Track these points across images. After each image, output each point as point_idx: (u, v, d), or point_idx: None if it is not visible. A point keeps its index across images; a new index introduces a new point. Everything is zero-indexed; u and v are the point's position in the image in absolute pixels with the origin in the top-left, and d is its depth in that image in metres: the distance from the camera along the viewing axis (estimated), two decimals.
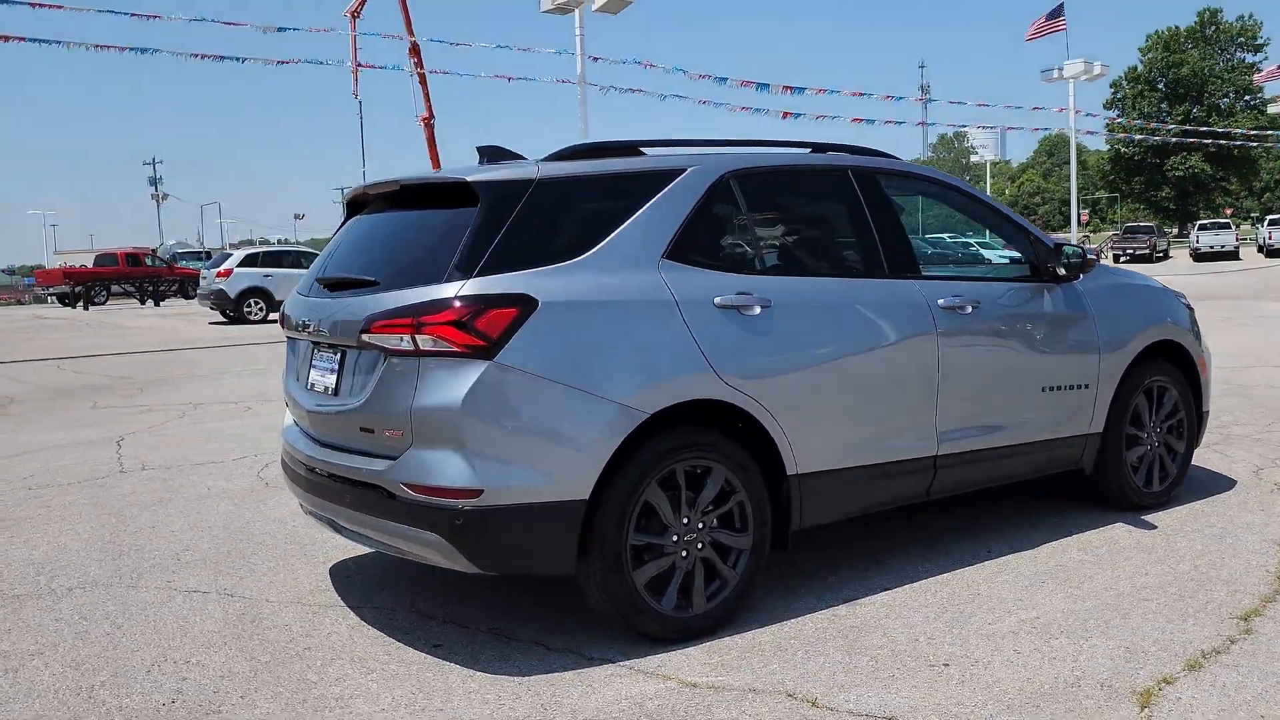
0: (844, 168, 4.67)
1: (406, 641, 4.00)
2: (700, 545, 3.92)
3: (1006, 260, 5.17)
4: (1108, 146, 75.20)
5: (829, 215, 4.68)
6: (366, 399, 3.79)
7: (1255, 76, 54.70)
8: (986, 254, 16.57)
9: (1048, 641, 3.77)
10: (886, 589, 4.42)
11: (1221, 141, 63.48)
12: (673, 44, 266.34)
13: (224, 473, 7.23)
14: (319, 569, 4.97)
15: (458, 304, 3.56)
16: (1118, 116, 71.23)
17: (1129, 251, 47.84)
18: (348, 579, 4.80)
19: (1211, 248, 48.28)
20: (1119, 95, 73.72)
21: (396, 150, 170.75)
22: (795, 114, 34.50)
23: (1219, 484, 5.98)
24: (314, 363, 4.28)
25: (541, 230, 3.82)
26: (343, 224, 4.74)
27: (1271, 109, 61.52)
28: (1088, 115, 59.64)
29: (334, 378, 4.08)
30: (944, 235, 23.01)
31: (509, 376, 3.57)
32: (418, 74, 31.51)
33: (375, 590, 4.62)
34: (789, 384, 4.08)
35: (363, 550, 5.17)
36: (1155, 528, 5.18)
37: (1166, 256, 50.67)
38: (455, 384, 3.56)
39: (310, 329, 4.20)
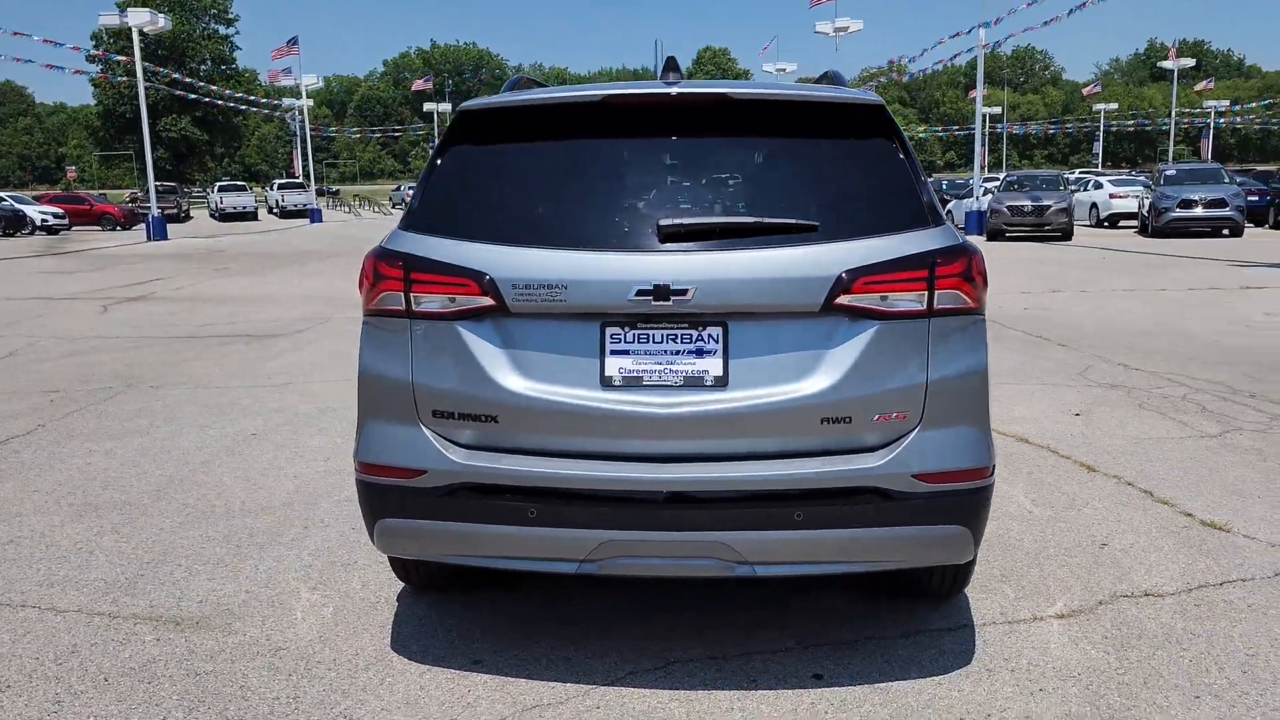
0: None
1: (780, 687, 3.17)
2: None
3: None
4: (95, 102, 72.28)
5: None
6: (838, 379, 2.88)
7: (269, 75, 56.67)
8: None
9: (1119, 509, 4.79)
10: None
11: (211, 108, 66.39)
12: None
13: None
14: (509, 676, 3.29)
15: (965, 252, 3.00)
16: (104, 72, 68.86)
17: (161, 210, 47.29)
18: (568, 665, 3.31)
19: (235, 208, 50.77)
20: (100, 47, 70.97)
21: None
22: None
23: None
24: (627, 348, 2.92)
25: None
26: (477, 147, 3.18)
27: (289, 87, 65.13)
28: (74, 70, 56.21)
29: (716, 362, 2.91)
30: None
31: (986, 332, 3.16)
32: None
33: (599, 659, 3.33)
34: None
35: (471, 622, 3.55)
36: None
37: (190, 216, 51.53)
38: (974, 345, 3.01)
39: (629, 298, 2.87)
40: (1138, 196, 29.00)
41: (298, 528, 4.68)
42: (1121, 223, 30.19)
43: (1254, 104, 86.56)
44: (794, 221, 2.95)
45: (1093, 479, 5.32)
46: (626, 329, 2.96)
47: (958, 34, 33.50)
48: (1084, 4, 30.10)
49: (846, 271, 2.88)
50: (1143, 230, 26.84)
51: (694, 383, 2.92)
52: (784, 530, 2.91)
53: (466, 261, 2.99)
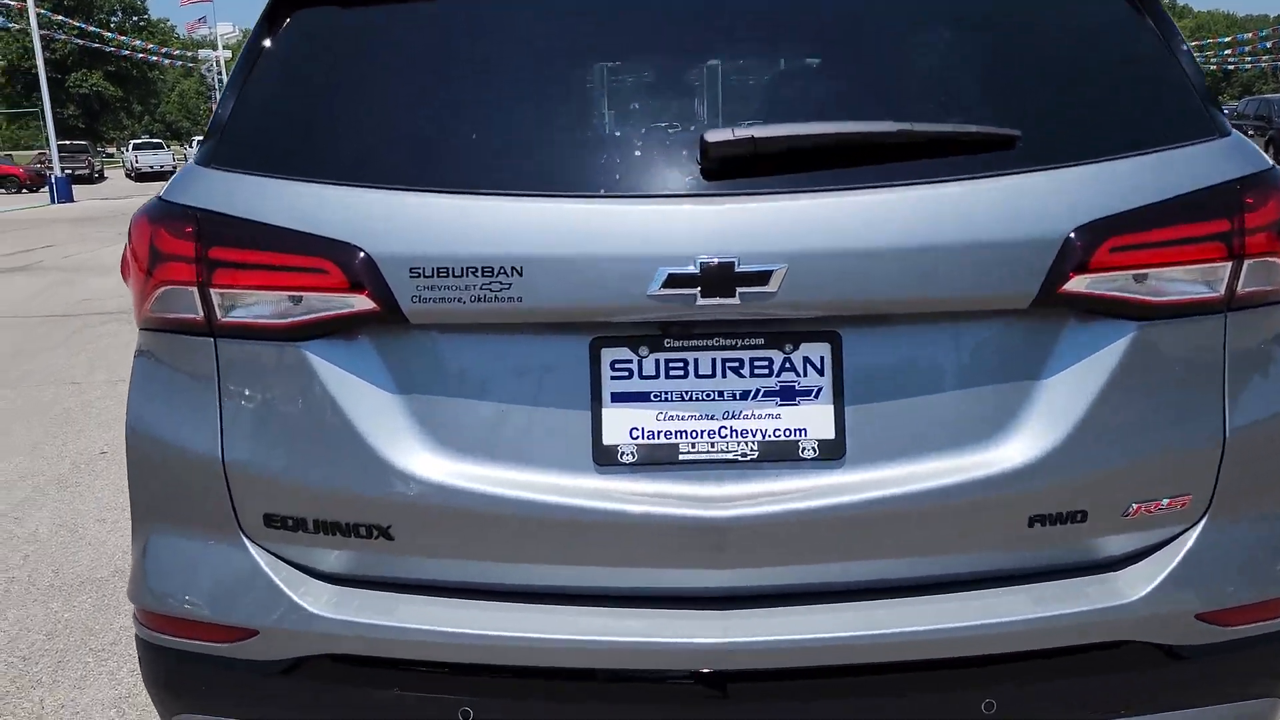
0: None
1: None
2: None
3: None
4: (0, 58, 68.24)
5: None
6: (1061, 439, 1.47)
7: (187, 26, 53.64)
8: None
9: None
10: None
11: (124, 62, 62.90)
12: None
13: None
14: None
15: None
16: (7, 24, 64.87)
17: (70, 171, 44.73)
18: None
19: (152, 168, 48.11)
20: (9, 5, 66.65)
21: None
22: None
23: None
24: (646, 389, 1.48)
25: None
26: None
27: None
28: None
29: (821, 413, 1.48)
30: None
31: None
32: None
33: None
34: None
35: None
36: None
37: (104, 177, 48.82)
38: None
39: (651, 293, 1.42)
40: None
41: (125, 615, 3.19)
42: None
43: (1193, 43, 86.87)
44: (974, 130, 1.50)
45: None
46: (644, 352, 1.50)
47: None
48: None
49: (1078, 229, 1.45)
50: None
51: (780, 454, 1.49)
52: None
53: (318, 224, 1.50)
